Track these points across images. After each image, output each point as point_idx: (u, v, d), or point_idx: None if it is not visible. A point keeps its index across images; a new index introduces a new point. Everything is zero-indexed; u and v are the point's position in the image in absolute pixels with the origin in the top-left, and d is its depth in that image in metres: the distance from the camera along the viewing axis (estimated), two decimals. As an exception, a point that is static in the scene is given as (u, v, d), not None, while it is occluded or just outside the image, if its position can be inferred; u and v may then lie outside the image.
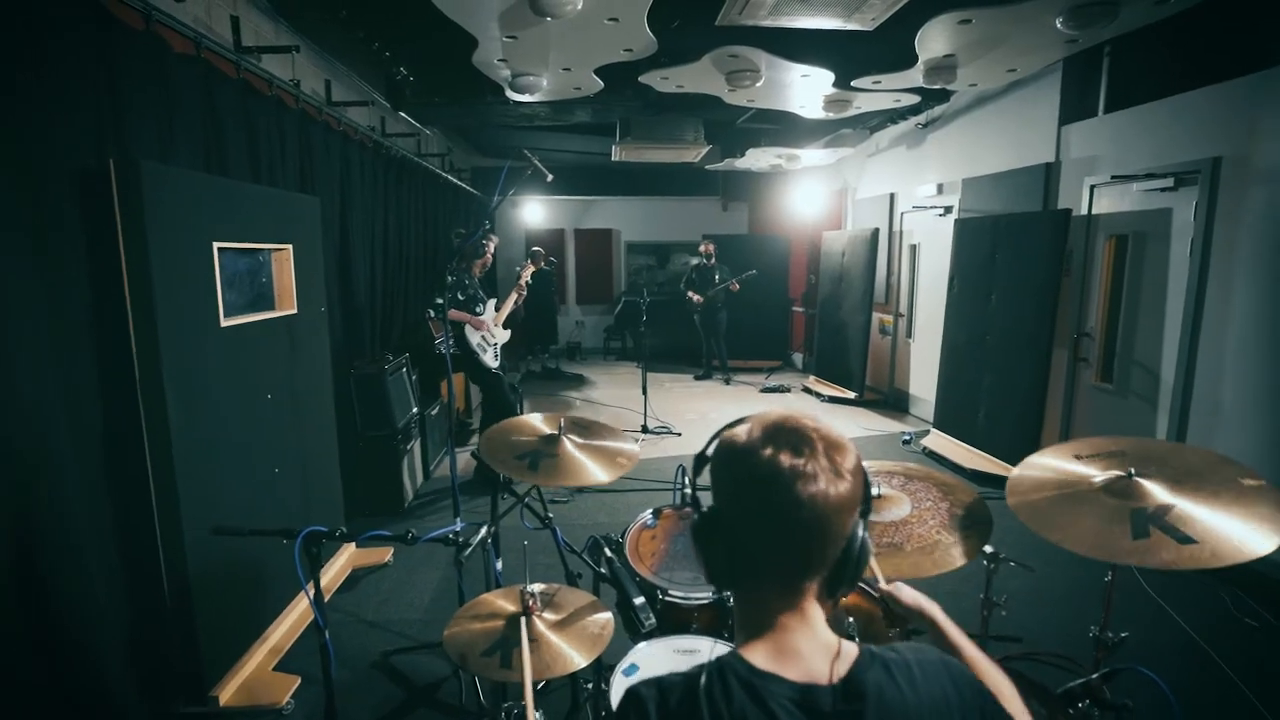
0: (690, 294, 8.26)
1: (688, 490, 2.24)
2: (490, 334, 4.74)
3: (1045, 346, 4.66)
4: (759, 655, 0.83)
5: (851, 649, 0.84)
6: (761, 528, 0.81)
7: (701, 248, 8.32)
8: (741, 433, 0.85)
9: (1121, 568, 3.49)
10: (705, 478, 0.91)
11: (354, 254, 4.44)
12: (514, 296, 4.93)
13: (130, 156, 2.25)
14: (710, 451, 0.88)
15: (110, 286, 2.21)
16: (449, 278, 4.40)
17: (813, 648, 0.83)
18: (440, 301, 4.34)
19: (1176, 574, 3.48)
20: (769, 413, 0.86)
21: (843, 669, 0.81)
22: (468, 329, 4.60)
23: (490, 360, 4.74)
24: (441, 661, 2.72)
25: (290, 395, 3.13)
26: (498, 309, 4.84)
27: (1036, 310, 4.73)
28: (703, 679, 0.81)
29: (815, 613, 0.85)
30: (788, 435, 0.81)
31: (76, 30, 2.15)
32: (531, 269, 5.06)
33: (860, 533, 0.84)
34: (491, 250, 4.83)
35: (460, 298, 4.57)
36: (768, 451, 0.80)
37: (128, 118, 2.35)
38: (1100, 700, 1.41)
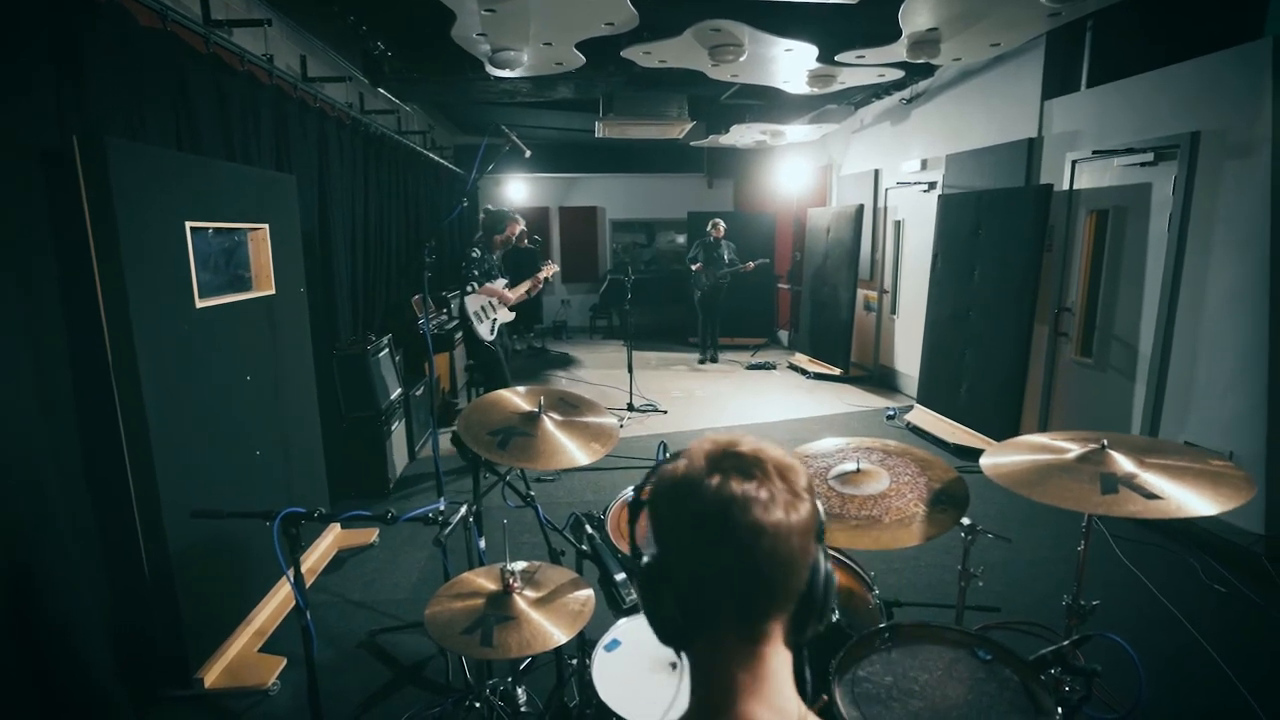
0: (694, 265, 8.07)
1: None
2: (491, 306, 4.80)
3: (1026, 321, 4.70)
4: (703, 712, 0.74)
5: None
6: (717, 565, 0.71)
7: (710, 226, 8.11)
8: (681, 465, 0.74)
9: (1097, 539, 3.57)
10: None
11: (334, 233, 4.37)
12: (527, 286, 5.01)
13: (95, 133, 2.19)
14: (648, 493, 0.77)
15: (79, 268, 2.16)
16: (475, 251, 4.73)
17: (769, 707, 0.72)
18: (476, 274, 4.68)
19: (1151, 545, 3.56)
20: (704, 440, 0.76)
21: None
22: (468, 297, 4.70)
23: (485, 332, 4.76)
24: (427, 640, 2.72)
25: (271, 377, 3.10)
26: (509, 289, 4.92)
27: (1018, 286, 4.76)
28: None
29: (780, 667, 0.75)
30: (734, 460, 0.72)
31: (33, 2, 2.07)
32: (553, 269, 5.27)
33: (823, 561, 0.75)
34: (515, 232, 4.94)
35: (475, 273, 4.72)
36: (715, 480, 0.71)
37: (92, 93, 2.28)
38: (1070, 666, 1.44)
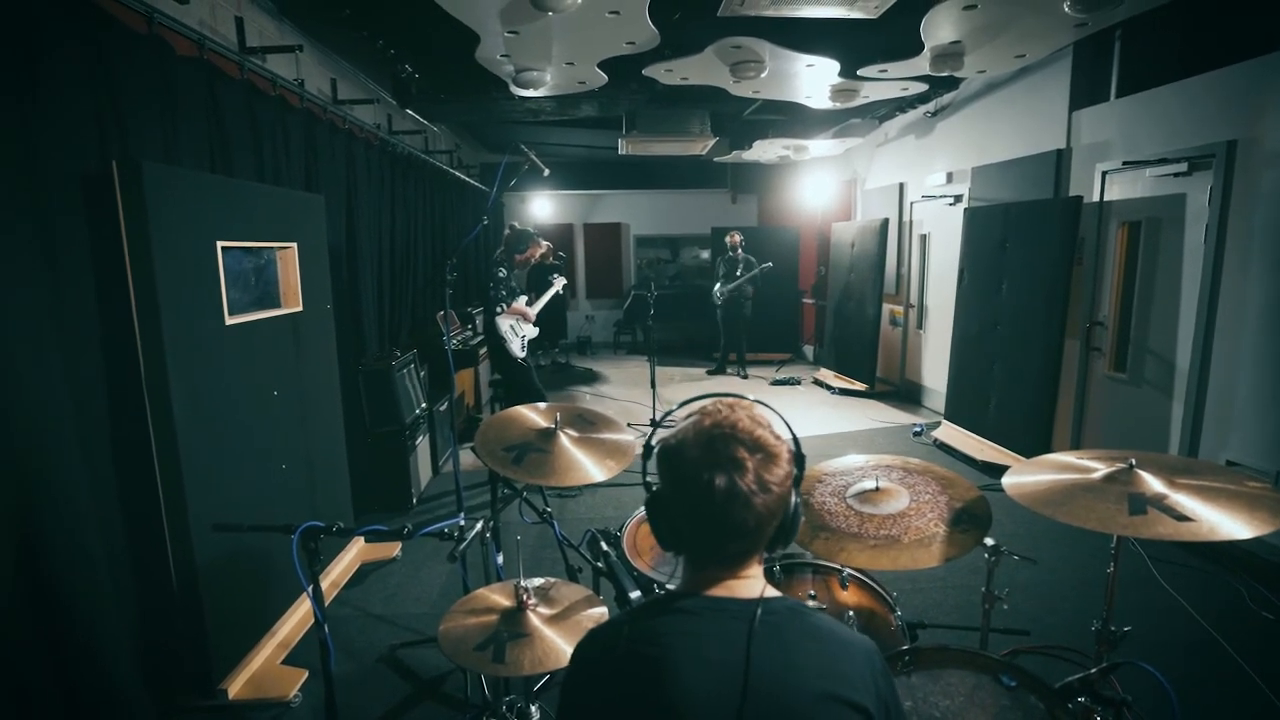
0: (715, 289, 8.08)
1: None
2: (520, 324, 4.87)
3: (1057, 336, 4.60)
4: (687, 590, 0.96)
5: (776, 592, 0.97)
6: (700, 532, 0.94)
7: (728, 239, 8.09)
8: (677, 444, 0.95)
9: (1135, 562, 3.45)
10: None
11: (361, 251, 4.46)
12: (545, 301, 5.10)
13: (133, 158, 2.27)
14: (654, 445, 1.02)
15: (115, 286, 2.24)
16: (500, 271, 4.75)
17: (740, 588, 0.95)
18: (504, 293, 4.71)
19: (1191, 567, 3.43)
20: (705, 416, 0.96)
21: (766, 594, 0.94)
22: (499, 316, 4.76)
23: (517, 350, 4.84)
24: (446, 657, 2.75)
25: (297, 392, 3.16)
26: (529, 306, 4.98)
27: (1048, 299, 4.66)
28: (632, 613, 0.97)
29: (751, 568, 0.97)
30: (720, 455, 0.91)
31: (78, 35, 2.17)
32: (561, 282, 5.37)
33: (793, 502, 0.97)
34: (536, 254, 5.00)
35: (504, 292, 4.77)
36: (703, 475, 0.90)
37: (131, 120, 2.37)
38: (1099, 695, 1.39)
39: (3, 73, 1.90)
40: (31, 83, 1.98)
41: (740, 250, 7.99)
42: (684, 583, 0.98)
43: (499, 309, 4.73)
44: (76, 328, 2.15)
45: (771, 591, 0.95)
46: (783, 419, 1.06)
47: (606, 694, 0.91)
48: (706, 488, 0.89)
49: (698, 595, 0.94)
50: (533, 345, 5.09)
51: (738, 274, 7.92)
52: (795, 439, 1.02)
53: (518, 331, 4.87)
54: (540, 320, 5.12)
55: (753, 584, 0.96)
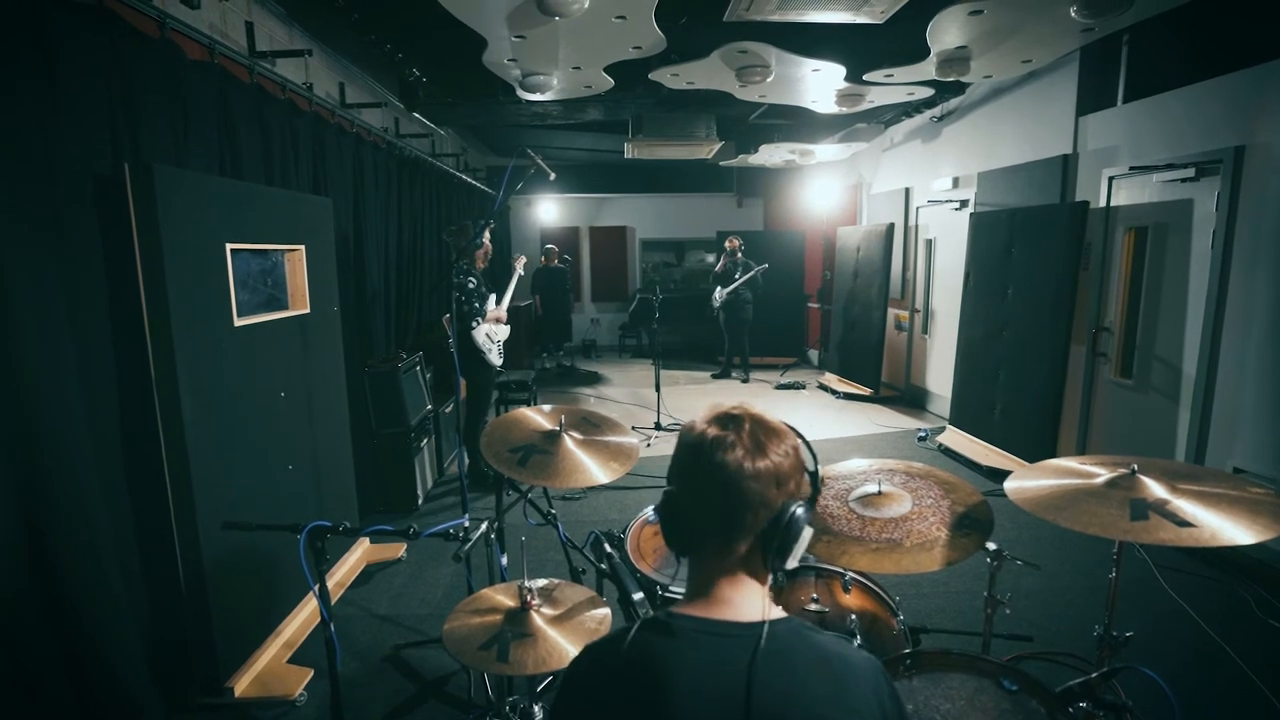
0: (715, 293, 8.18)
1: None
2: (494, 330, 4.67)
3: (1063, 341, 4.59)
4: (687, 608, 0.93)
5: (781, 612, 0.94)
6: (693, 490, 0.93)
7: (727, 243, 8.15)
8: (691, 421, 0.98)
9: (1141, 569, 3.43)
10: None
11: (368, 254, 4.49)
12: (510, 294, 4.89)
13: (144, 161, 2.31)
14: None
15: (126, 288, 2.26)
16: (470, 281, 4.47)
17: (741, 604, 0.92)
18: (477, 304, 4.47)
19: (1199, 575, 3.41)
20: (721, 403, 0.99)
21: (768, 616, 0.91)
22: (474, 331, 4.52)
23: (495, 359, 4.65)
24: (450, 656, 2.76)
25: (304, 393, 3.18)
26: (497, 303, 4.74)
27: (1054, 305, 4.65)
28: (631, 631, 0.93)
29: (750, 580, 0.94)
30: (722, 417, 0.95)
31: (92, 39, 2.20)
32: (523, 260, 5.25)
33: (792, 510, 0.92)
34: (487, 237, 4.71)
35: (477, 305, 4.52)
36: (701, 427, 0.94)
37: (143, 123, 2.41)
38: (1099, 700, 1.39)
39: (27, 78, 1.94)
40: (51, 87, 2.01)
41: (740, 254, 8.02)
42: (687, 590, 0.97)
43: (475, 324, 4.48)
44: (89, 329, 2.18)
45: (775, 612, 0.93)
46: (807, 444, 1.04)
47: (601, 714, 0.89)
48: (699, 435, 0.93)
49: (697, 617, 0.91)
50: (537, 349, 5.03)
51: (736, 277, 7.94)
52: (810, 450, 1.02)
53: (494, 338, 4.63)
54: (546, 320, 5.03)
55: (755, 600, 0.94)
